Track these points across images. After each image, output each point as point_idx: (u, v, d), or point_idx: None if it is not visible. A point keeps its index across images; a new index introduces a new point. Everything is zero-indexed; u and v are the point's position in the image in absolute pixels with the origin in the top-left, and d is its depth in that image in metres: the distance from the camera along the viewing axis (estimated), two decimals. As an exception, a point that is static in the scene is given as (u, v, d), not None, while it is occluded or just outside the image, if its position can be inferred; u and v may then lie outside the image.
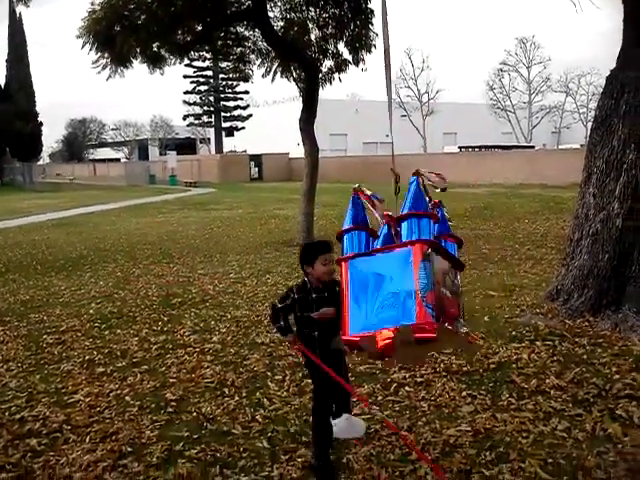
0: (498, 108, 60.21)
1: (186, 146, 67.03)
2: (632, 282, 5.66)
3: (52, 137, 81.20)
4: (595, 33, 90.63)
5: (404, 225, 3.05)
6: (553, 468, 3.37)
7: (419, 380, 4.66)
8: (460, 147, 42.72)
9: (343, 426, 3.79)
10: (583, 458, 3.44)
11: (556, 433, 3.75)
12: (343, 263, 3.05)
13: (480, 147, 40.77)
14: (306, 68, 17.12)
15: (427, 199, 3.23)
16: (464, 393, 4.39)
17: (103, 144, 79.21)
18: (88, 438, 3.94)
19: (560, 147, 48.08)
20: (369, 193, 3.40)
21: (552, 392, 4.32)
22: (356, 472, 3.43)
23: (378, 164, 38.68)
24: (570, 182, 25.74)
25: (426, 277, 2.75)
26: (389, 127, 3.76)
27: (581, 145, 47.91)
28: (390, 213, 3.18)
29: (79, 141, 77.74)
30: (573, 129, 62.03)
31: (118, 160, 72.46)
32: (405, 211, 3.07)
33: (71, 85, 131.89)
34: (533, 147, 43.73)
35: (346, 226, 3.28)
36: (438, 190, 3.26)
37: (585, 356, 4.95)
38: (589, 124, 60.53)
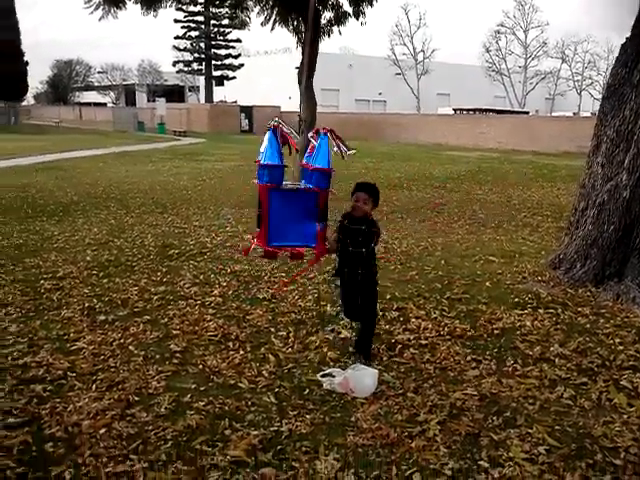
0: (493, 71, 59.55)
1: (174, 93, 65.77)
2: (636, 254, 5.69)
3: (37, 78, 79.19)
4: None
5: (313, 175, 3.98)
6: (560, 435, 3.41)
7: (423, 342, 4.67)
8: (455, 109, 42.32)
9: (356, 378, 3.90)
10: (590, 427, 3.49)
11: (562, 401, 3.80)
12: (266, 190, 3.93)
13: (474, 110, 40.44)
14: (306, 18, 16.70)
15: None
16: (469, 357, 4.41)
17: (89, 87, 77.41)
18: (94, 386, 3.91)
19: (553, 114, 47.85)
20: (287, 130, 4.11)
21: (556, 360, 4.36)
22: (365, 431, 3.45)
23: (372, 122, 38.36)
24: (562, 150, 25.81)
25: (324, 216, 4.02)
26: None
27: (574, 113, 47.79)
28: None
29: (64, 83, 75.89)
30: (567, 96, 61.72)
31: (104, 105, 70.94)
32: (317, 165, 3.94)
33: (58, 24, 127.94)
34: (527, 113, 43.51)
35: (267, 162, 3.93)
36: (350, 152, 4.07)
37: (588, 326, 5.00)
38: (583, 92, 60.36)
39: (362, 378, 3.94)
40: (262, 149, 4.03)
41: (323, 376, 4.06)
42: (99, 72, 75.29)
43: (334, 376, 4.02)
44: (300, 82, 16.89)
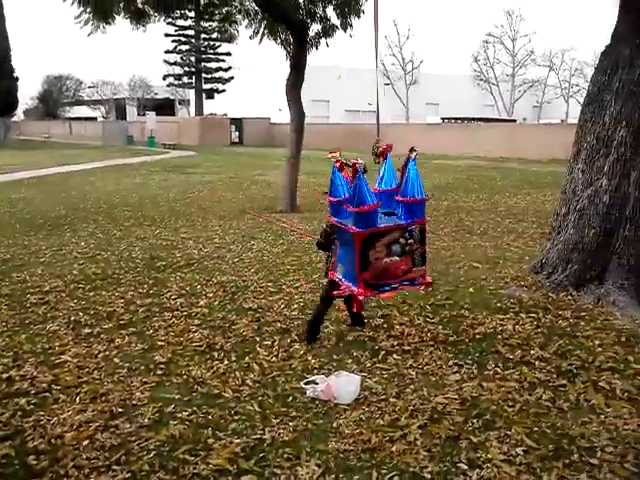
0: (481, 80, 59.95)
1: (165, 107, 65.77)
2: (616, 258, 5.76)
3: (27, 93, 78.98)
4: (582, 8, 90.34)
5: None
6: (538, 436, 3.47)
7: (407, 348, 4.72)
8: (443, 118, 42.60)
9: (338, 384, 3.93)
10: (567, 427, 3.55)
11: (541, 403, 3.85)
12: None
13: (462, 119, 40.72)
14: (294, 31, 16.81)
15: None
16: (451, 362, 4.46)
17: (80, 102, 77.30)
18: (78, 398, 3.93)
19: (541, 122, 48.20)
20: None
21: (537, 363, 4.42)
22: (346, 436, 3.49)
23: (361, 133, 38.50)
24: (550, 157, 25.97)
25: None
26: (376, 96, 4.89)
27: (561, 120, 48.11)
28: None
29: (55, 98, 75.78)
30: (554, 104, 62.13)
31: (95, 119, 70.92)
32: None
33: (48, 41, 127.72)
34: (515, 121, 43.80)
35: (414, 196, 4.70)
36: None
37: (568, 329, 5.06)
38: (571, 100, 60.77)
39: (345, 385, 3.98)
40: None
41: (306, 383, 4.11)
42: (89, 87, 75.20)
43: (317, 383, 4.06)
44: (288, 94, 16.99)
